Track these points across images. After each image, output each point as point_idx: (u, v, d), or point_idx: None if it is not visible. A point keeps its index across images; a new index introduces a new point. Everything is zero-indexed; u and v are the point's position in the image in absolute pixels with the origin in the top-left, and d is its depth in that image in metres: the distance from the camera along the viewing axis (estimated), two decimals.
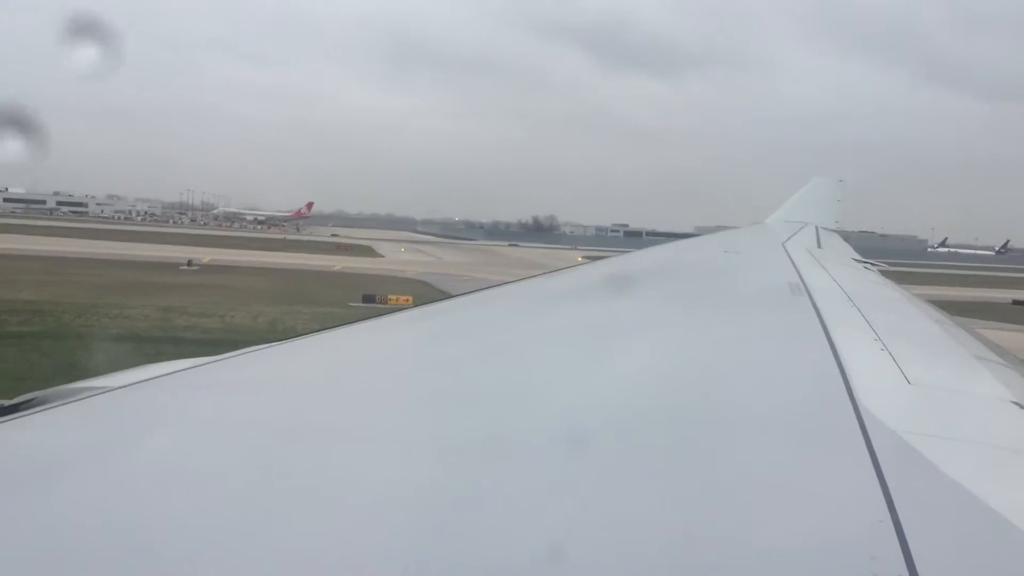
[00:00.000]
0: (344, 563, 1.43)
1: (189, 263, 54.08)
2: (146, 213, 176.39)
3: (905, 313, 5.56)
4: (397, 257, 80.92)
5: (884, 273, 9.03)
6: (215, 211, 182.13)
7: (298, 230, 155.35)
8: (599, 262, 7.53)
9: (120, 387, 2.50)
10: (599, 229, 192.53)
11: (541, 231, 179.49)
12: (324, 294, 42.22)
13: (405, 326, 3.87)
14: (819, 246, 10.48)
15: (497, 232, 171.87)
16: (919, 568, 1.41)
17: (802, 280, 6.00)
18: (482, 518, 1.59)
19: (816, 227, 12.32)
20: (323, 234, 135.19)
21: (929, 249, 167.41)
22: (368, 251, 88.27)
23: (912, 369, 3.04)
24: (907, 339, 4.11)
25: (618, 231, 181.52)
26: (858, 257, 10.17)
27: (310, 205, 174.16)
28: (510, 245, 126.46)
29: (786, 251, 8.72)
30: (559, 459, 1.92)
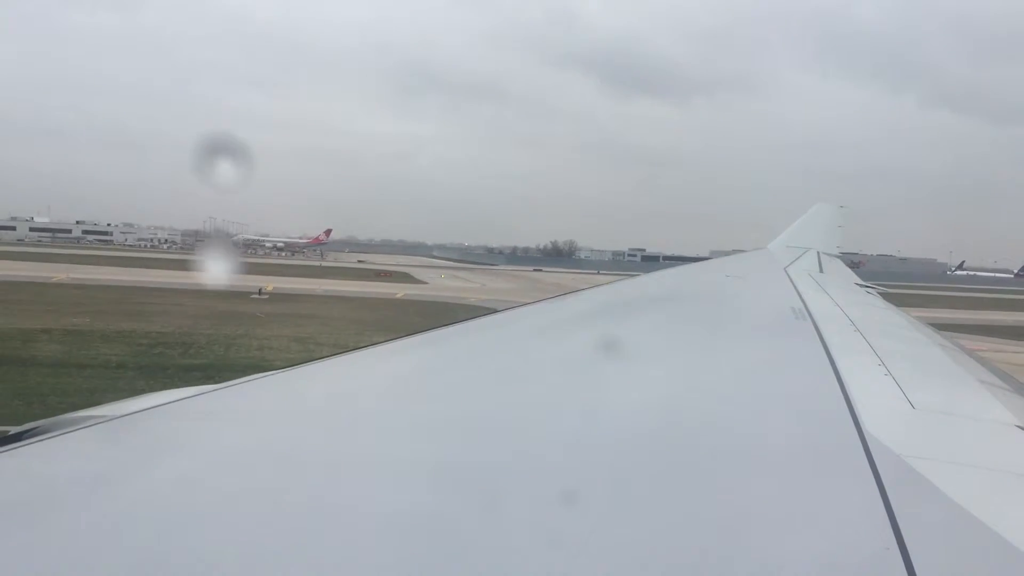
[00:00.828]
0: None
1: (260, 291, 55.12)
2: (167, 241, 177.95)
3: (908, 337, 5.55)
4: (441, 283, 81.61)
5: (889, 296, 9.07)
6: (234, 238, 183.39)
7: (322, 257, 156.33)
8: (599, 288, 7.57)
9: (122, 416, 2.50)
10: (616, 254, 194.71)
11: (560, 256, 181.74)
12: (415, 322, 43.49)
13: (400, 355, 3.81)
14: (821, 271, 10.49)
15: (515, 258, 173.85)
16: None
17: (804, 305, 5.99)
18: (487, 545, 1.59)
19: (818, 252, 12.39)
20: (345, 260, 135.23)
21: (948, 272, 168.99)
22: (407, 277, 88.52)
23: (916, 394, 3.05)
24: (910, 363, 4.13)
25: (635, 255, 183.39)
26: (860, 281, 10.18)
27: (328, 232, 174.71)
28: (534, 270, 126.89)
29: (788, 276, 8.74)
30: (561, 488, 1.91)
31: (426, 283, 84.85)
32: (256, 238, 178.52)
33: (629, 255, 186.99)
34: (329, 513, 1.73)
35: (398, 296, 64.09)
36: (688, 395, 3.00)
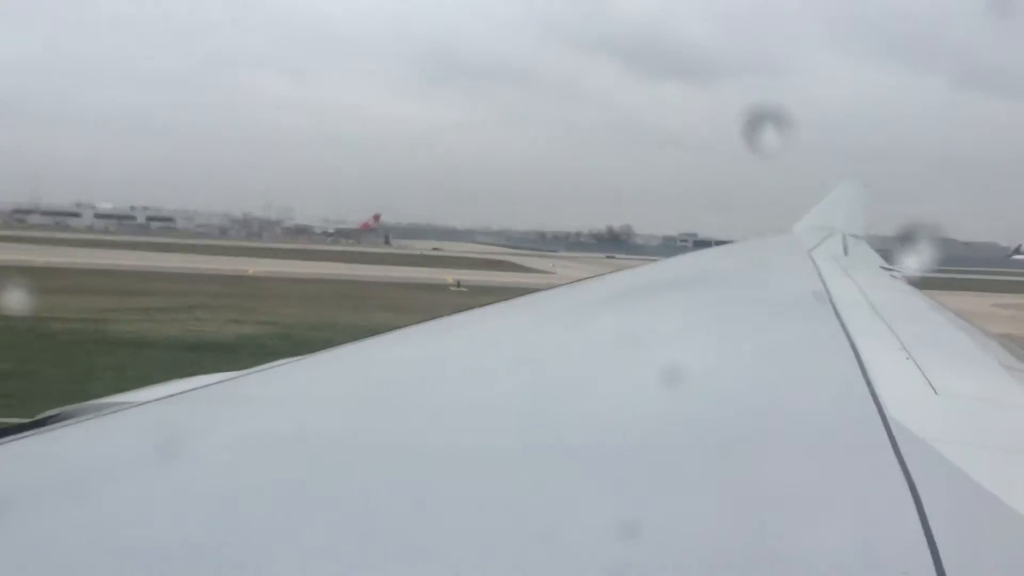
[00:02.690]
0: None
1: (458, 284, 55.24)
2: (221, 227, 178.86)
3: (931, 321, 5.50)
4: (566, 273, 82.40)
5: (916, 280, 8.92)
6: (285, 223, 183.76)
7: (387, 242, 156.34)
8: (619, 273, 7.34)
9: (145, 402, 2.49)
10: (667, 239, 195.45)
11: (617, 241, 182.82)
12: None
13: (420, 341, 3.83)
14: (846, 253, 10.32)
15: (571, 244, 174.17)
16: None
17: (826, 289, 5.95)
18: (523, 527, 1.60)
19: (843, 234, 12.13)
20: (412, 247, 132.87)
21: (1009, 257, 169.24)
22: (515, 267, 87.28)
23: (939, 378, 3.01)
24: (933, 348, 4.08)
25: (687, 240, 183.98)
26: (885, 265, 9.99)
27: (377, 217, 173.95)
28: (607, 257, 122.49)
29: (812, 259, 8.60)
30: (583, 473, 1.91)
31: (551, 272, 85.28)
32: (306, 223, 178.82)
33: (681, 240, 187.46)
34: (364, 499, 1.73)
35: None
36: (708, 380, 2.99)
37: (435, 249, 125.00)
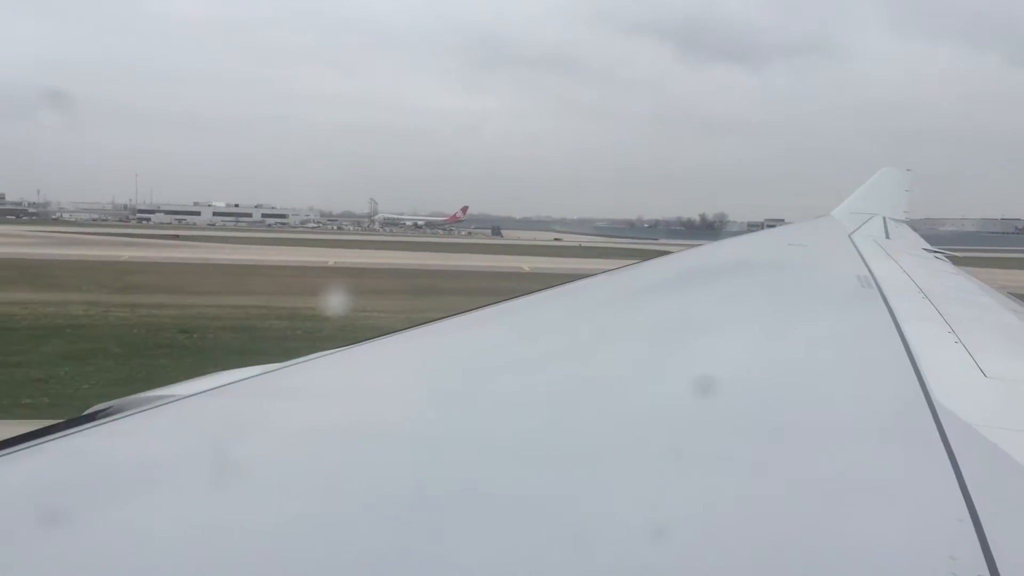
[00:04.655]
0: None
1: None
2: (317, 222, 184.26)
3: (979, 303, 5.38)
4: None
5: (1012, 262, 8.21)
6: (376, 216, 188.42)
7: (498, 233, 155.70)
8: (660, 258, 7.40)
9: (194, 394, 2.49)
10: (752, 224, 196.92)
11: (711, 228, 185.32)
12: None
13: (443, 336, 3.67)
14: (887, 237, 10.16)
15: (664, 231, 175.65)
16: (1000, 567, 1.38)
17: (870, 272, 5.88)
18: (572, 518, 1.59)
19: (884, 218, 11.90)
20: (525, 238, 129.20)
21: None
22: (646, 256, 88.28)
23: (988, 362, 2.98)
24: (982, 331, 4.01)
25: (774, 226, 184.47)
26: (928, 247, 9.79)
27: (465, 209, 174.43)
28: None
29: (853, 243, 8.49)
30: (632, 460, 1.91)
31: None
32: (396, 216, 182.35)
33: (768, 225, 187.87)
34: (403, 488, 1.72)
35: None
36: (755, 365, 2.99)
37: (556, 239, 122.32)
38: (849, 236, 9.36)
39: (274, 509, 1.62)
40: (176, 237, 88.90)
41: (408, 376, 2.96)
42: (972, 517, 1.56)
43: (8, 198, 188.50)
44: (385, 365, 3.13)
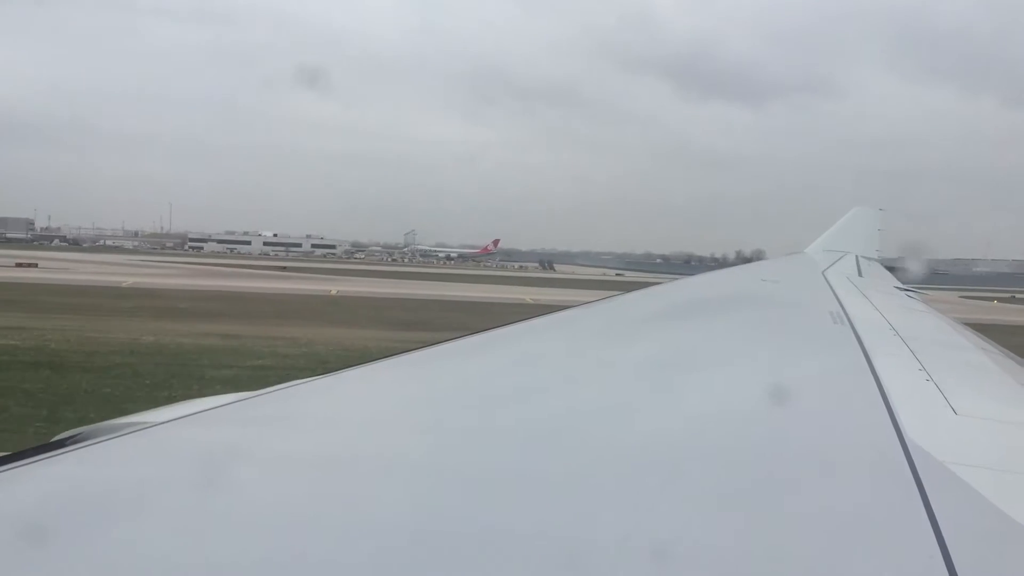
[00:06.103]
0: None
1: None
2: (362, 253, 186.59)
3: (949, 342, 5.38)
4: None
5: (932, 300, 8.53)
6: (409, 248, 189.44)
7: (549, 267, 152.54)
8: (631, 293, 7.21)
9: (164, 422, 2.46)
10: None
11: (747, 263, 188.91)
12: None
13: (423, 367, 3.67)
14: (860, 275, 10.26)
15: (695, 267, 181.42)
16: None
17: (843, 309, 5.92)
18: (549, 549, 1.57)
19: (856, 256, 12.08)
20: (564, 271, 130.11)
21: None
22: None
23: (958, 399, 2.98)
24: (952, 368, 4.01)
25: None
26: (900, 285, 9.86)
27: (496, 242, 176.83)
28: None
29: (826, 279, 8.58)
30: (605, 496, 1.90)
31: None
32: (430, 248, 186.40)
33: None
34: (376, 520, 1.71)
35: None
36: (726, 401, 3.00)
37: (619, 275, 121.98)
38: (822, 273, 9.44)
39: (245, 541, 1.60)
40: (284, 269, 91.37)
41: (387, 404, 2.97)
42: (943, 555, 1.55)
43: (39, 223, 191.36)
44: (364, 393, 3.14)
